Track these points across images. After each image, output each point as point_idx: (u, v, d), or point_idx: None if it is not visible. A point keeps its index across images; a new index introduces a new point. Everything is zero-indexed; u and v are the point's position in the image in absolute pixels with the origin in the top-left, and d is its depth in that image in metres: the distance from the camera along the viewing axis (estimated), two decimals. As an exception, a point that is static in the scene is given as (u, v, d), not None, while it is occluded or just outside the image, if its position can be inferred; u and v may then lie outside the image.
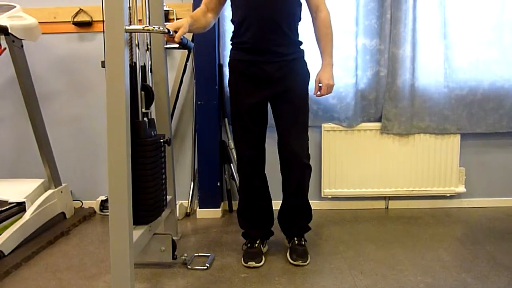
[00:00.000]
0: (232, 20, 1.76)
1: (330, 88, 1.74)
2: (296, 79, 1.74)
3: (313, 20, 1.76)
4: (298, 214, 1.86)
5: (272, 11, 1.64)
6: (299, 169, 1.76)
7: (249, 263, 1.77)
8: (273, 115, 1.82)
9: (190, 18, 1.61)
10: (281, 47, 1.69)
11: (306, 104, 1.78)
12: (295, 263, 1.77)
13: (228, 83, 1.83)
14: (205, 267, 1.77)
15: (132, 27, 1.37)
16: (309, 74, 1.81)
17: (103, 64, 1.36)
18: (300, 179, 1.79)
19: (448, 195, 2.51)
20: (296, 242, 1.84)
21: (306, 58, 1.80)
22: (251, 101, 1.73)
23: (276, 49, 1.68)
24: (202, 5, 1.76)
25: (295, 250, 1.81)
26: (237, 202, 1.96)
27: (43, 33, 2.34)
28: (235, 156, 2.40)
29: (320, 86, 1.74)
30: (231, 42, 1.79)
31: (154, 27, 1.40)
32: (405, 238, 2.08)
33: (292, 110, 1.74)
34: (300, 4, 1.74)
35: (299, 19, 1.75)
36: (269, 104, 1.82)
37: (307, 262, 1.79)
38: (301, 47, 1.79)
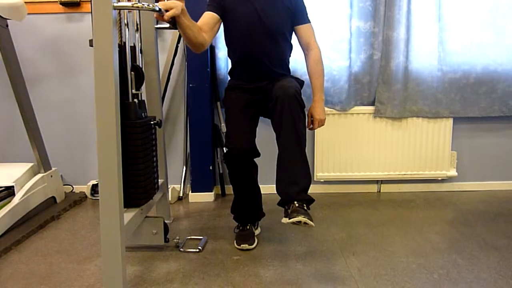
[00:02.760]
0: (228, 56, 1.87)
1: (322, 122, 1.79)
2: (283, 75, 1.82)
3: (305, 57, 1.82)
4: (294, 167, 1.58)
5: (265, 56, 1.75)
6: (290, 104, 1.54)
7: (241, 245, 1.77)
8: (266, 104, 1.77)
9: (185, 8, 1.54)
10: (274, 79, 1.77)
11: (296, 83, 1.72)
12: (295, 219, 1.44)
13: (223, 101, 1.86)
14: (198, 250, 1.77)
15: (120, 4, 1.33)
16: (302, 80, 1.83)
17: (91, 43, 1.32)
18: (292, 113, 1.54)
19: (439, 178, 2.53)
20: (297, 205, 1.51)
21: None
22: (244, 101, 1.77)
23: (270, 80, 1.78)
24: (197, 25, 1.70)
25: (296, 210, 1.48)
26: (230, 185, 1.93)
27: (29, 14, 2.28)
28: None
29: (312, 120, 1.78)
30: (229, 74, 1.90)
31: (143, 5, 1.36)
32: (397, 221, 2.09)
33: (281, 79, 1.72)
34: (291, 46, 1.85)
35: (290, 55, 1.87)
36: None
37: (313, 222, 1.45)
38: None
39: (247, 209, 1.86)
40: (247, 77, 1.81)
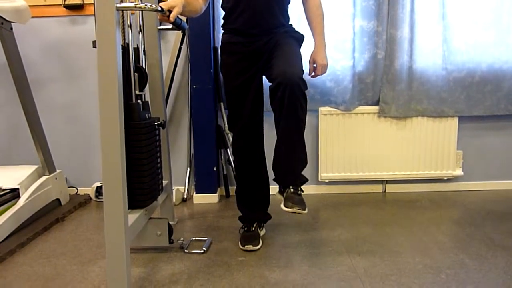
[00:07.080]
0: (222, 7, 1.75)
1: (324, 68, 1.73)
2: (284, 35, 1.70)
3: (303, 1, 1.75)
4: (292, 155, 1.62)
5: None
6: (291, 90, 1.49)
7: (246, 246, 1.76)
8: (265, 73, 1.72)
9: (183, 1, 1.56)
10: (271, 29, 1.69)
11: (297, 47, 1.69)
12: (291, 210, 1.55)
13: (220, 67, 1.81)
14: (202, 251, 1.76)
15: (123, 4, 1.33)
16: (302, 35, 1.75)
17: (94, 44, 1.32)
18: (293, 102, 1.51)
19: (445, 178, 2.51)
20: (292, 190, 1.62)
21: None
22: (244, 76, 1.72)
23: (267, 32, 1.69)
24: None
25: (291, 197, 1.59)
26: (234, 186, 1.94)
27: (33, 17, 2.28)
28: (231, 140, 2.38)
29: (314, 67, 1.73)
30: (222, 27, 1.78)
31: (146, 5, 1.36)
32: (403, 221, 2.07)
33: (283, 50, 1.64)
34: None
35: (289, 2, 1.74)
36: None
37: (305, 210, 1.57)
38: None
39: (254, 200, 1.86)
40: (244, 22, 1.66)
